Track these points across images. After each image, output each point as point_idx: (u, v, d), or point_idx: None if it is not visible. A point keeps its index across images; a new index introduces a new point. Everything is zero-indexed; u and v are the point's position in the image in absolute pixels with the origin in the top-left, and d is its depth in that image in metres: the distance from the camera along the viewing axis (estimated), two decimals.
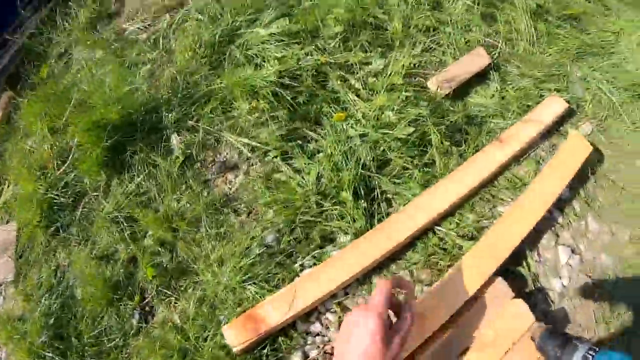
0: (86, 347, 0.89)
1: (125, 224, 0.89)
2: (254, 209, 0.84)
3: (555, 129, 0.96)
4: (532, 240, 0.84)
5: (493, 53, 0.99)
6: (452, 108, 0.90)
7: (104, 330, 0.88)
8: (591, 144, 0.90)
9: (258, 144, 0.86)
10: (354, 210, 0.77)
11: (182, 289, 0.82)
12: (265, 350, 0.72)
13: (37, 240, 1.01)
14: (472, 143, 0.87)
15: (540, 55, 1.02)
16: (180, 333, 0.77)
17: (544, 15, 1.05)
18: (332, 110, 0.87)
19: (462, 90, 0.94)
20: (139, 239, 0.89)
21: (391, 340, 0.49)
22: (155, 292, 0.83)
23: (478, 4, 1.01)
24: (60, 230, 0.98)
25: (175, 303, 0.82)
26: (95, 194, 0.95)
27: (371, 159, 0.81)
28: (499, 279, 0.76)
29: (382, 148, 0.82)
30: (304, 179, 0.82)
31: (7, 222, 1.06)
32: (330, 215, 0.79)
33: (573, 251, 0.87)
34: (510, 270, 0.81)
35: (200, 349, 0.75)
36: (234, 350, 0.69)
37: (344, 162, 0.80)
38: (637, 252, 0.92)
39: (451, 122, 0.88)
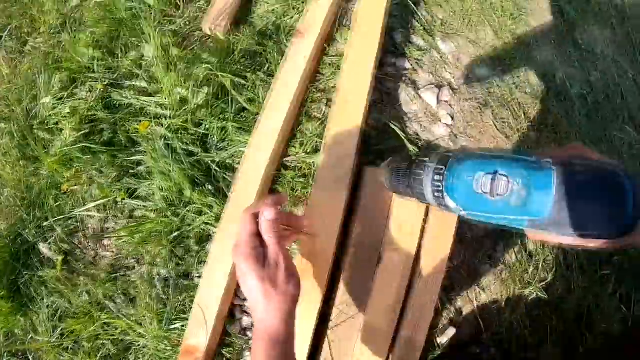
0: None
1: (63, 341, 0.89)
2: (138, 255, 0.82)
3: None
4: (389, 104, 0.77)
5: None
6: (238, 37, 0.81)
7: None
8: None
9: (102, 201, 0.82)
10: (203, 200, 0.72)
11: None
12: None
13: None
14: (274, 57, 0.78)
15: None
16: None
17: None
18: (137, 124, 0.81)
19: (243, 12, 0.84)
20: (81, 347, 0.89)
21: (270, 263, 0.44)
22: None
23: None
24: None
25: None
26: (29, 336, 0.96)
27: (190, 142, 0.75)
28: (365, 168, 0.68)
29: (190, 126, 0.75)
30: (153, 202, 0.77)
31: None
32: (190, 219, 0.74)
33: (439, 86, 0.78)
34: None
35: None
36: None
37: (168, 164, 0.74)
38: (505, 43, 0.82)
39: (244, 51, 0.79)
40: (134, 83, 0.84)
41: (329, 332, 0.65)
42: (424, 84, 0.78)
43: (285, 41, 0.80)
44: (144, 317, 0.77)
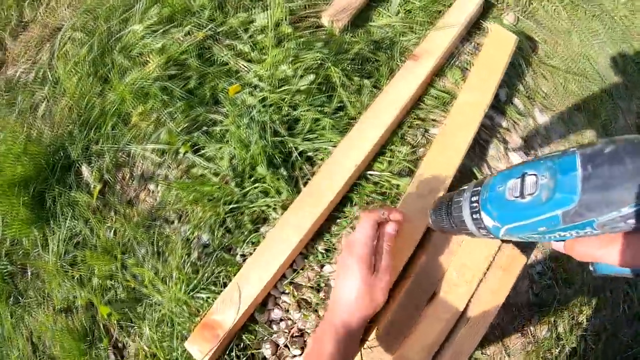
0: None
1: (72, 269, 0.85)
2: (183, 212, 0.79)
3: (476, 29, 0.86)
4: (479, 154, 0.77)
5: None
6: (354, 39, 0.81)
7: None
8: (520, 33, 0.80)
9: (164, 146, 0.80)
10: (274, 183, 0.71)
11: (141, 316, 0.78)
12: (233, 353, 0.69)
13: (3, 316, 1.00)
14: (384, 70, 0.78)
15: None
16: (153, 359, 0.75)
17: None
18: (227, 85, 0.79)
19: (362, 17, 0.84)
20: (88, 280, 0.85)
21: (379, 272, 0.48)
22: (118, 328, 0.80)
23: None
24: (20, 298, 0.96)
25: (140, 332, 0.79)
26: (36, 251, 0.92)
27: (279, 121, 0.73)
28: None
29: (285, 107, 0.74)
30: (218, 166, 0.75)
31: None
32: (254, 195, 0.73)
33: (527, 153, 0.80)
34: None
35: None
36: None
37: (249, 135, 0.73)
38: (594, 134, 0.84)
39: (356, 54, 0.79)
40: (235, 44, 0.83)
41: (363, 350, 0.64)
42: (514, 147, 0.79)
43: (397, 59, 0.80)
44: (170, 275, 0.74)
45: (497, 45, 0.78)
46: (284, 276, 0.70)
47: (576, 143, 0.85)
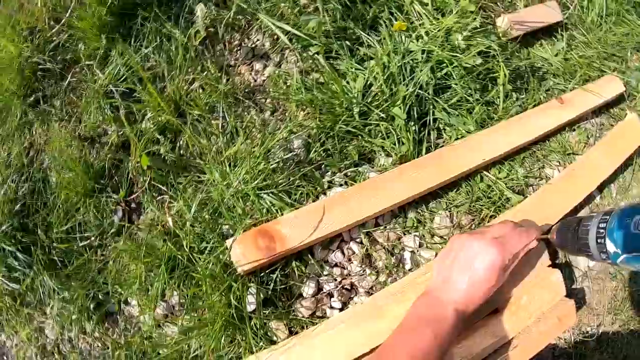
0: (54, 244, 0.74)
1: (121, 101, 0.70)
2: (280, 107, 0.69)
3: (605, 109, 0.90)
4: (570, 212, 0.78)
5: (564, 12, 0.90)
6: (517, 53, 0.81)
7: (78, 226, 0.72)
8: None
9: (300, 34, 0.71)
10: (403, 131, 0.65)
11: (181, 187, 0.66)
12: (274, 275, 0.59)
13: (13, 111, 0.80)
14: (531, 95, 0.78)
15: (605, 33, 0.95)
16: (171, 240, 0.62)
17: None
18: (393, 19, 0.74)
19: (525, 39, 0.85)
20: (136, 121, 0.71)
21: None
22: (146, 187, 0.66)
23: None
24: (42, 102, 0.79)
25: (170, 203, 0.66)
26: (89, 62, 0.75)
27: (430, 79, 0.69)
28: (541, 243, 0.69)
29: (444, 71, 0.70)
30: (348, 84, 0.68)
31: None
32: (375, 132, 0.66)
33: None
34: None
35: (194, 261, 0.60)
36: (239, 269, 0.56)
37: (401, 75, 0.67)
38: None
39: (516, 66, 0.78)
40: None
41: None
42: None
43: (543, 92, 0.81)
44: (239, 160, 0.63)
45: (630, 133, 0.83)
46: (364, 223, 0.63)
47: None
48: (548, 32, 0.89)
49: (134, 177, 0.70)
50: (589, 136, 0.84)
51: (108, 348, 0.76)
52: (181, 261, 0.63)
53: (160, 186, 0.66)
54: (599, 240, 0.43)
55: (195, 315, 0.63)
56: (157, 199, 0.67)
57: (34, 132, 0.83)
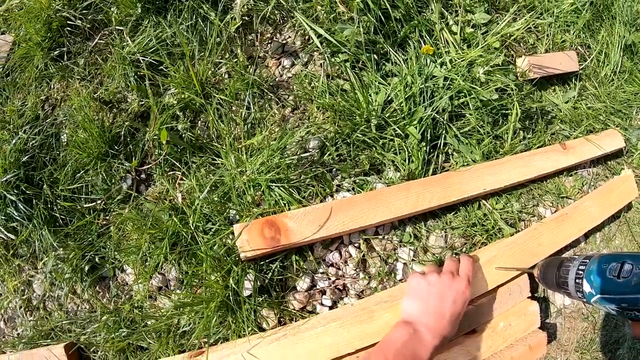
0: (58, 201, 0.74)
1: (147, 71, 0.72)
2: (302, 106, 0.72)
3: (603, 160, 0.95)
4: (555, 252, 0.83)
5: (581, 63, 0.95)
6: (531, 95, 0.85)
7: (84, 187, 0.73)
8: None
9: (332, 39, 0.73)
10: (415, 150, 0.68)
11: (195, 166, 0.68)
12: (273, 265, 0.62)
13: (33, 62, 0.81)
14: (537, 136, 0.83)
15: (615, 89, 1.00)
16: (177, 216, 0.64)
17: (633, 54, 1.04)
18: (422, 41, 0.77)
19: (540, 82, 0.89)
20: (159, 94, 0.72)
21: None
22: (161, 160, 0.68)
23: (586, 10, 0.96)
24: (65, 58, 0.79)
25: (182, 180, 0.68)
26: (120, 27, 0.76)
27: (447, 106, 0.72)
28: (525, 275, 0.73)
29: (462, 101, 0.73)
30: (370, 96, 0.71)
31: (3, 32, 0.85)
32: (388, 146, 0.69)
33: None
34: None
35: (197, 240, 0.62)
36: (242, 255, 0.58)
37: (421, 97, 0.70)
38: None
39: (528, 107, 0.82)
40: (450, 18, 0.81)
41: None
42: None
43: (548, 135, 0.85)
44: (255, 150, 0.66)
45: (623, 188, 0.88)
46: (364, 230, 0.66)
47: None
48: (563, 79, 0.93)
49: (149, 148, 0.71)
50: (584, 184, 0.89)
51: (96, 312, 0.78)
52: (184, 238, 0.65)
53: (175, 162, 0.68)
54: (577, 281, 0.48)
55: (191, 292, 0.65)
56: (169, 174, 0.69)
57: (52, 87, 0.84)
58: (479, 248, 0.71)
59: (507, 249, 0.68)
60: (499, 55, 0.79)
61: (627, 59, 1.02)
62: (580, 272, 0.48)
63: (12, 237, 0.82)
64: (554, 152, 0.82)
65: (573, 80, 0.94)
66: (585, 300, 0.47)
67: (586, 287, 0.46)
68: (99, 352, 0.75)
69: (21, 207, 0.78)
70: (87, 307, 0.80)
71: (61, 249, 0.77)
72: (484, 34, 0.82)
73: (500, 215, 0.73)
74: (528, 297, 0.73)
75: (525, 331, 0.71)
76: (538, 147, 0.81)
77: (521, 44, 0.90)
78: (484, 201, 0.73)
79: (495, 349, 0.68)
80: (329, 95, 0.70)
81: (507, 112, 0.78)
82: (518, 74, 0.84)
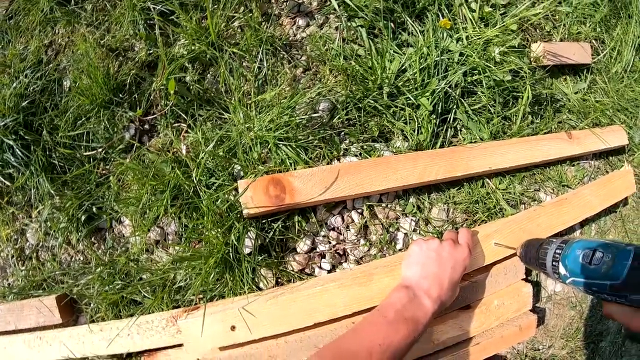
0: (57, 147, 0.72)
1: (158, 19, 0.69)
2: (314, 67, 0.71)
3: (605, 154, 0.96)
4: (552, 237, 0.84)
5: (594, 57, 0.95)
6: (542, 80, 0.85)
7: (85, 135, 0.72)
8: None
9: (350, 3, 0.71)
10: (425, 121, 0.68)
11: (202, 119, 0.66)
12: (275, 225, 0.61)
13: (39, 5, 0.78)
14: (545, 122, 0.83)
15: (624, 87, 1.00)
16: (180, 168, 0.63)
17: None
18: (440, 14, 0.76)
19: (552, 70, 0.89)
20: (169, 44, 0.70)
21: None
22: (167, 111, 0.66)
23: (604, 5, 0.96)
24: (72, 2, 0.76)
25: (187, 133, 0.66)
26: None
27: (461, 82, 0.72)
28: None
29: (475, 78, 0.73)
30: (384, 65, 0.70)
31: None
32: (398, 114, 0.68)
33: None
34: None
35: (199, 194, 0.61)
36: (245, 212, 0.58)
37: (436, 69, 0.69)
38: None
39: (539, 92, 0.82)
40: None
41: None
42: None
43: (555, 123, 0.85)
44: (263, 106, 0.64)
45: (622, 182, 0.89)
46: (368, 196, 0.66)
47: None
48: (574, 69, 0.93)
49: (155, 99, 0.70)
50: (584, 175, 0.90)
51: (90, 263, 0.77)
52: (186, 191, 0.64)
53: (181, 113, 0.66)
54: (554, 263, 0.52)
55: (190, 247, 0.65)
56: (174, 125, 0.68)
57: (57, 31, 0.81)
58: (478, 225, 0.71)
59: (506, 226, 0.68)
60: (515, 38, 0.78)
61: (639, 59, 1.02)
62: (557, 255, 0.52)
63: (8, 183, 0.80)
64: (559, 140, 0.82)
65: (584, 72, 0.94)
66: (561, 281, 0.51)
67: (561, 270, 0.50)
68: (91, 305, 0.75)
69: (19, 152, 0.76)
70: (81, 258, 0.79)
71: (58, 197, 0.76)
72: (502, 15, 0.81)
73: (502, 195, 0.74)
74: (522, 279, 0.74)
75: (517, 312, 0.72)
76: (545, 133, 0.82)
77: (537, 30, 0.90)
78: (487, 180, 0.74)
79: (487, 326, 0.69)
80: (342, 59, 0.69)
81: (517, 94, 0.78)
82: (532, 59, 0.84)
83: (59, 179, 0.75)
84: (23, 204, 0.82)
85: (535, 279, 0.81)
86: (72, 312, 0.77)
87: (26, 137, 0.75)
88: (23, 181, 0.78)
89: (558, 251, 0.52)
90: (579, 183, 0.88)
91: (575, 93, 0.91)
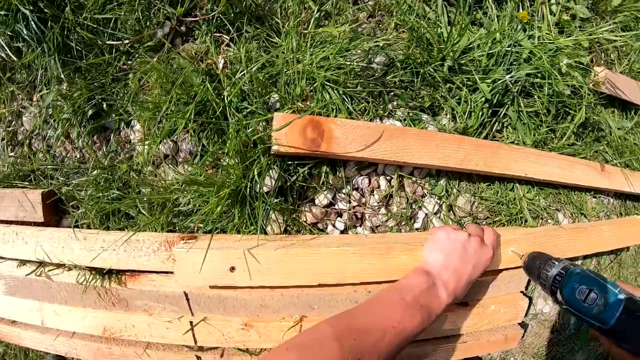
0: (78, 29, 0.64)
1: None
2: (377, 15, 0.65)
3: (626, 197, 0.96)
4: (557, 259, 0.83)
5: None
6: (593, 106, 0.82)
7: (113, 21, 0.63)
8: None
9: None
10: (478, 107, 0.64)
11: (248, 36, 0.60)
12: (301, 170, 0.57)
13: None
14: (583, 147, 0.81)
15: None
16: (211, 82, 0.57)
17: None
18: (521, 5, 0.71)
19: (614, 101, 0.86)
20: None
21: None
22: (211, 17, 0.60)
23: None
24: None
25: (228, 46, 0.60)
26: None
27: (522, 80, 0.68)
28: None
29: (537, 81, 0.69)
30: (454, 37, 0.65)
31: None
32: (454, 92, 0.64)
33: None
34: None
35: (227, 117, 0.56)
36: (274, 148, 0.53)
37: (503, 58, 0.65)
38: None
39: (588, 117, 0.80)
40: None
41: None
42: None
43: (589, 155, 0.83)
44: (317, 40, 0.59)
45: (636, 229, 0.88)
46: (401, 167, 0.62)
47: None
48: (623, 105, 0.91)
49: (200, 1, 0.63)
50: (602, 209, 0.89)
51: (87, 164, 0.71)
52: (213, 110, 0.58)
53: (227, 23, 0.59)
54: (552, 288, 0.54)
55: (203, 170, 0.60)
56: (215, 35, 0.61)
57: None
58: (497, 227, 0.69)
59: (526, 238, 0.66)
60: (586, 55, 0.74)
61: None
62: (557, 281, 0.54)
63: (14, 58, 0.72)
64: (592, 169, 0.80)
65: (632, 112, 0.92)
66: (556, 303, 0.55)
67: (559, 296, 0.53)
68: (79, 209, 0.69)
69: (33, 25, 0.68)
70: (78, 156, 0.72)
71: (66, 84, 0.69)
72: (578, 27, 0.77)
73: (527, 205, 0.72)
74: (521, 292, 0.73)
75: (508, 322, 0.72)
76: (581, 158, 0.80)
77: (602, 54, 0.86)
78: (518, 185, 0.71)
79: (478, 327, 0.68)
80: (414, 16, 0.63)
81: (569, 111, 0.75)
82: (592, 81, 0.81)
83: (72, 64, 0.67)
84: (26, 84, 0.75)
85: (529, 294, 0.81)
86: (56, 212, 0.71)
87: (46, 9, 0.67)
88: (31, 58, 0.70)
89: (558, 278, 0.54)
90: (595, 216, 0.87)
91: (619, 129, 0.89)
